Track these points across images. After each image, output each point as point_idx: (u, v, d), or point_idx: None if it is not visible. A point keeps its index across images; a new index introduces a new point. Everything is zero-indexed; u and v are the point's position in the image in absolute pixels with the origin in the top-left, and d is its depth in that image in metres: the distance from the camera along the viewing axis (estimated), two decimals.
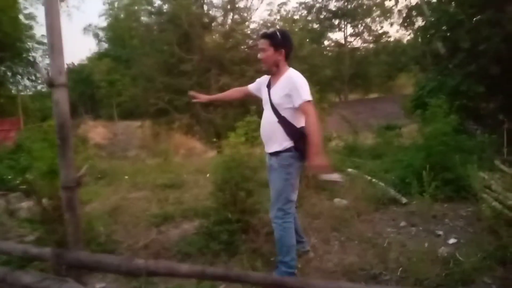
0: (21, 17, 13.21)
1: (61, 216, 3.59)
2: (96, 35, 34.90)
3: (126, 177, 7.16)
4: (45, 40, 15.02)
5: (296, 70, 2.88)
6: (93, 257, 1.47)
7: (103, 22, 35.18)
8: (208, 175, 6.38)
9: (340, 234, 3.76)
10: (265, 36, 2.85)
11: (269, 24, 16.40)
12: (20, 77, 14.53)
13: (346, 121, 11.88)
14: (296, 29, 16.22)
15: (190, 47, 15.29)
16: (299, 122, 2.78)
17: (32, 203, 4.33)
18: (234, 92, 3.49)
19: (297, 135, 2.75)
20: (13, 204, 5.08)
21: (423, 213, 4.09)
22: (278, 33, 2.82)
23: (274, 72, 2.88)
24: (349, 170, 6.20)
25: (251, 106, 4.75)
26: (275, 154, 2.82)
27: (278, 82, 2.83)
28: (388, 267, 3.04)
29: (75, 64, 32.77)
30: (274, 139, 2.81)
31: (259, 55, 2.85)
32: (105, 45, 34.52)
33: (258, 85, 3.15)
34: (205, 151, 16.48)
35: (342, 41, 32.91)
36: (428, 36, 9.77)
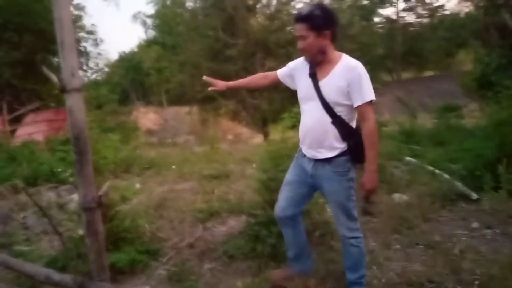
0: (70, 8, 13.58)
1: (105, 215, 3.54)
2: (144, 23, 35.61)
3: (173, 167, 7.11)
4: (94, 30, 15.45)
5: (353, 59, 2.26)
6: None
7: (151, 10, 35.76)
8: (254, 165, 6.14)
9: (403, 237, 3.36)
10: (302, 18, 2.15)
11: (315, 2, 15.66)
12: None
13: (402, 103, 11.08)
14: (345, 7, 15.36)
15: (235, 31, 14.99)
16: (354, 120, 2.28)
17: None
18: (259, 79, 2.72)
19: (353, 136, 2.24)
20: (63, 197, 5.14)
21: (498, 212, 3.58)
22: (318, 11, 2.13)
23: (320, 60, 2.23)
24: (408, 159, 5.68)
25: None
26: (327, 160, 2.29)
27: (332, 73, 2.19)
28: (462, 280, 2.63)
29: (126, 52, 33.69)
30: (326, 143, 2.26)
31: (298, 45, 2.21)
32: (153, 33, 35.14)
33: (291, 72, 2.48)
34: (252, 137, 16.35)
35: (394, 17, 31.18)
36: (493, 7, 8.76)
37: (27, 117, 11.99)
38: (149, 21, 35.37)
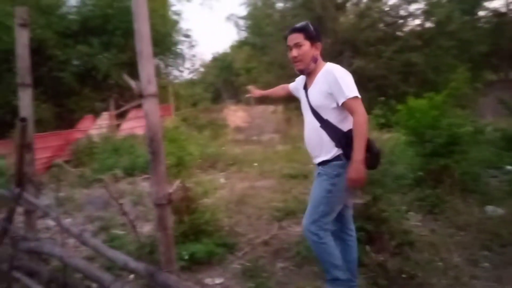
0: (169, 13, 14.77)
1: (188, 207, 3.80)
2: (236, 24, 36.86)
3: (255, 164, 7.30)
4: (190, 33, 16.45)
5: (335, 64, 2.41)
6: (180, 284, 1.37)
7: (244, 11, 36.88)
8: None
9: (493, 254, 3.06)
10: (298, 30, 2.40)
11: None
12: (171, 68, 16.35)
13: (505, 104, 9.90)
14: (444, 1, 14.19)
15: (322, 30, 14.78)
16: (347, 124, 2.34)
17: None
18: (280, 90, 3.10)
19: (345, 140, 2.30)
20: None
21: None
22: (311, 26, 2.42)
23: (310, 70, 2.43)
24: (508, 167, 5.12)
25: (387, 90, 4.26)
26: (323, 163, 2.40)
27: (316, 81, 2.40)
28: None
29: (219, 53, 35.27)
30: (320, 147, 2.40)
31: (293, 53, 2.39)
32: (244, 34, 36.22)
33: (296, 85, 2.76)
34: None
35: (503, 10, 27.90)
36: None
37: (130, 113, 13.27)
38: (242, 23, 36.54)
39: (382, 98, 4.81)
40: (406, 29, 15.48)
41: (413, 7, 15.02)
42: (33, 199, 2.64)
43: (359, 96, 2.26)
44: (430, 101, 4.65)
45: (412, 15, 15.08)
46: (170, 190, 1.53)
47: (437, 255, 3.10)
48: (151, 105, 1.47)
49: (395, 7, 15.17)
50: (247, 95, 3.39)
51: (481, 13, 26.07)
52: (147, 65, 1.44)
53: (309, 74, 2.46)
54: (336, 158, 2.34)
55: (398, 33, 15.23)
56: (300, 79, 2.67)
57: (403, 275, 2.83)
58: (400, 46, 13.37)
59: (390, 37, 14.27)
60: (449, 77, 6.66)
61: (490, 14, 27.42)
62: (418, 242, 3.26)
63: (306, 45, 2.36)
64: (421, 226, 3.70)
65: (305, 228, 2.50)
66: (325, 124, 2.35)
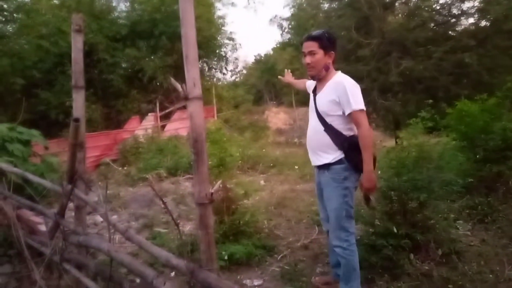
0: (214, 17, 15.06)
1: (228, 208, 3.84)
2: (280, 26, 36.89)
3: (296, 167, 7.26)
4: (234, 36, 16.68)
5: (345, 75, 2.56)
6: (220, 283, 1.38)
7: (287, 13, 36.88)
8: (379, 172, 5.86)
9: None
10: (313, 38, 2.51)
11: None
12: (214, 70, 16.66)
13: None
14: None
15: (369, 30, 14.42)
16: (349, 130, 2.46)
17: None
18: (300, 83, 3.22)
19: (347, 144, 2.42)
20: None
21: None
22: (326, 35, 2.51)
23: (321, 76, 2.55)
24: None
25: (437, 92, 4.11)
26: (326, 167, 2.49)
27: (325, 88, 2.53)
28: None
29: (262, 55, 35.46)
30: (322, 150, 2.50)
31: (306, 59, 2.51)
32: (288, 36, 36.17)
33: (309, 85, 2.91)
34: (383, 140, 15.55)
35: None
36: None
37: (175, 114, 13.64)
38: (285, 24, 36.53)
39: (430, 101, 4.61)
40: (458, 28, 14.75)
41: (466, 5, 14.30)
42: (83, 195, 2.76)
43: (365, 109, 2.38)
44: (482, 103, 4.40)
45: (465, 13, 14.34)
46: (212, 190, 1.55)
47: (487, 266, 2.93)
48: (195, 107, 1.50)
49: (447, 5, 14.48)
50: (280, 77, 3.54)
51: None
52: (192, 69, 1.47)
53: (320, 80, 2.58)
54: (339, 161, 2.43)
55: (450, 33, 14.54)
56: (311, 83, 2.82)
57: (450, 286, 2.69)
58: (452, 47, 12.75)
59: (441, 37, 13.64)
60: (506, 79, 6.27)
61: None
62: (466, 252, 3.10)
63: (320, 53, 2.48)
64: (470, 236, 3.51)
65: (333, 245, 2.57)
66: (329, 129, 2.46)
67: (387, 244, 2.98)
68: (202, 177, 1.53)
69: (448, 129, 4.72)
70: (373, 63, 13.74)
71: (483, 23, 14.12)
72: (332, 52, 2.50)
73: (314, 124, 2.58)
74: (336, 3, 17.02)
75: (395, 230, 3.00)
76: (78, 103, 3.06)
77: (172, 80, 1.56)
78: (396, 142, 13.00)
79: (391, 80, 12.68)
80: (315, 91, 2.65)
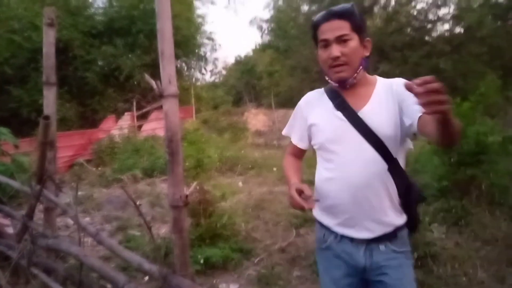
0: (194, 16, 14.92)
1: (205, 210, 3.77)
2: (260, 27, 36.99)
3: (274, 169, 7.24)
4: (213, 36, 16.56)
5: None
6: None
7: (267, 14, 37.04)
8: None
9: None
10: (341, 15, 1.40)
11: (439, 3, 14.36)
12: (193, 70, 16.50)
13: None
14: (475, 6, 13.80)
15: None
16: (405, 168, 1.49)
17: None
18: (298, 164, 1.79)
19: (409, 191, 1.44)
20: None
21: None
22: (357, 11, 1.44)
23: (357, 80, 1.45)
24: None
25: None
26: (388, 238, 1.42)
27: (375, 97, 1.45)
28: None
29: (242, 56, 35.43)
30: (384, 205, 1.41)
31: (333, 51, 1.38)
32: (268, 37, 36.31)
33: (303, 123, 1.60)
34: None
35: None
36: None
37: (152, 114, 13.42)
38: (265, 26, 36.65)
39: None
40: (434, 34, 15.15)
41: (442, 11, 14.71)
42: (53, 196, 2.66)
43: None
44: (456, 108, 4.49)
45: (441, 19, 14.75)
46: (187, 192, 1.50)
47: (461, 269, 2.97)
48: (171, 106, 1.44)
49: (423, 11, 14.85)
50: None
51: None
52: (168, 65, 1.41)
53: (354, 87, 1.46)
54: (404, 225, 1.46)
55: (426, 38, 14.91)
56: (311, 102, 1.61)
57: None
58: (428, 52, 13.09)
59: (418, 42, 13.98)
60: (478, 84, 6.43)
61: None
62: (441, 255, 3.13)
63: (355, 40, 1.39)
64: (445, 239, 3.56)
65: None
66: (394, 167, 1.41)
67: None
68: (177, 179, 1.47)
69: None
70: None
71: (458, 29, 14.55)
72: (369, 39, 1.46)
73: (363, 161, 1.41)
74: (316, 5, 17.18)
75: None
76: (49, 100, 2.94)
77: (147, 77, 1.50)
78: None
79: None
80: (344, 106, 1.47)
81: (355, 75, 1.42)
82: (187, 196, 1.50)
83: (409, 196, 1.42)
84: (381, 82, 1.49)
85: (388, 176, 1.40)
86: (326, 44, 1.40)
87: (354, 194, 1.40)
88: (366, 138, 1.40)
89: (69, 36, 11.56)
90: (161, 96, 1.44)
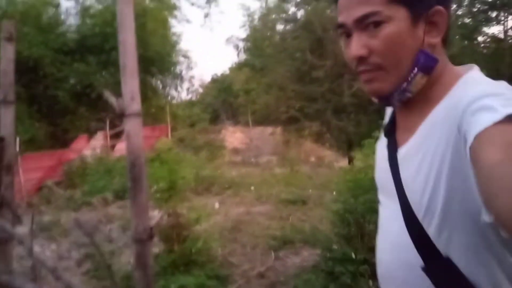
0: (169, 34, 14.83)
1: (179, 235, 3.58)
2: (236, 46, 37.25)
3: (252, 188, 7.09)
4: (189, 54, 16.50)
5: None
6: None
7: (243, 33, 37.32)
8: (334, 193, 5.84)
9: None
10: None
11: None
12: (168, 88, 16.31)
13: None
14: None
15: (322, 52, 14.83)
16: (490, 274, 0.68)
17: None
18: None
19: None
20: None
21: None
22: None
23: (404, 93, 0.76)
24: None
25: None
26: None
27: (424, 126, 0.76)
28: None
29: (218, 74, 35.51)
30: None
31: (353, 48, 0.74)
32: (244, 56, 36.59)
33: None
34: (336, 160, 15.84)
35: (501, 36, 28.24)
36: None
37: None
38: (241, 44, 36.93)
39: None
40: None
41: None
42: (8, 226, 2.42)
43: None
44: None
45: None
46: (152, 223, 1.34)
47: None
48: (133, 125, 1.28)
49: None
50: None
51: (480, 38, 26.43)
52: (130, 80, 1.27)
53: (413, 103, 0.79)
54: None
55: None
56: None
57: None
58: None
59: None
60: None
61: (488, 39, 27.86)
62: None
63: (396, 20, 0.71)
64: None
65: None
66: (437, 266, 0.71)
67: (346, 271, 2.86)
68: (140, 208, 1.31)
69: None
70: (327, 85, 14.06)
71: None
72: (439, 8, 0.72)
73: (396, 237, 0.79)
74: (291, 24, 17.42)
75: (353, 255, 2.89)
76: (7, 120, 2.73)
77: (106, 93, 1.35)
78: (349, 163, 13.30)
79: (344, 102, 13.03)
80: (392, 140, 0.86)
81: (405, 85, 0.74)
82: (151, 228, 1.33)
83: None
84: (449, 98, 0.74)
85: (422, 276, 0.72)
86: (346, 32, 0.77)
87: (381, 272, 0.87)
88: (400, 200, 0.78)
89: (40, 54, 11.22)
90: (121, 115, 1.29)
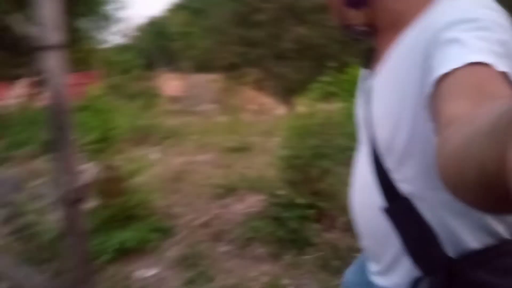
0: None
1: (115, 188, 3.31)
2: None
3: (193, 137, 6.86)
4: None
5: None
6: None
7: None
8: (276, 139, 5.82)
9: None
10: None
11: None
12: (98, 31, 14.89)
13: None
14: None
15: None
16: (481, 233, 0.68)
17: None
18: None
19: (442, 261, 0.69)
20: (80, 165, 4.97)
21: None
22: None
23: (390, 23, 0.74)
24: None
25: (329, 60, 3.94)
26: None
27: (394, 53, 0.72)
28: None
29: (154, 16, 33.27)
30: (388, 251, 0.78)
31: None
32: None
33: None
34: (276, 108, 15.91)
35: None
36: None
37: None
38: None
39: (334, 65, 4.47)
40: None
41: None
42: None
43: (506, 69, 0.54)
44: None
45: None
46: (86, 180, 1.10)
47: None
48: (54, 61, 0.98)
49: None
50: None
51: None
52: (49, 3, 0.94)
53: (384, 30, 0.77)
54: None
55: None
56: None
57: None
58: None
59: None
60: None
61: None
62: None
63: None
64: None
65: None
66: (397, 207, 0.72)
67: (292, 216, 2.84)
68: (67, 165, 1.06)
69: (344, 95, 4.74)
70: (268, 29, 13.70)
71: None
72: None
73: (363, 181, 0.83)
74: None
75: (299, 200, 2.87)
76: None
77: (16, 20, 1.03)
78: (289, 109, 13.39)
79: (285, 47, 12.83)
80: (366, 66, 0.85)
81: (345, 22, 0.80)
82: (84, 186, 1.10)
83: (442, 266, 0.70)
84: (428, 16, 0.67)
85: (384, 219, 0.73)
86: None
87: (353, 218, 0.89)
88: (367, 138, 0.78)
89: None
90: (36, 48, 0.98)
